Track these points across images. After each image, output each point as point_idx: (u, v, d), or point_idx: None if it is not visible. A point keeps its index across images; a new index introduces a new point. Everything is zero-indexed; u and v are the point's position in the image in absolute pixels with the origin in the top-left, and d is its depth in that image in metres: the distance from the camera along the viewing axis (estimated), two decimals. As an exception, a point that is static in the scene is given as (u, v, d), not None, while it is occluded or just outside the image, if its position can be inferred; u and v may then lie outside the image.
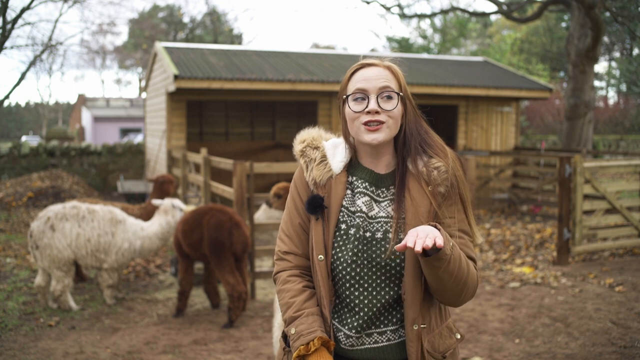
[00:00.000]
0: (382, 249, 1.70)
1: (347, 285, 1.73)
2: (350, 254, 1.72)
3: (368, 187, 1.78)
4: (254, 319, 5.36)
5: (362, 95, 1.73)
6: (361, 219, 1.74)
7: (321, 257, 1.73)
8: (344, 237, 1.74)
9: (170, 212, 5.83)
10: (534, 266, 7.12)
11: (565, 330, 4.87)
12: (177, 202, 5.95)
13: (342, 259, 1.73)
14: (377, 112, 1.71)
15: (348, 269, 1.72)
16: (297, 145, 1.86)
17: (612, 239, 7.84)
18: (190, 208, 5.96)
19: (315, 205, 1.75)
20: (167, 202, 5.90)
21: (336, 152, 1.82)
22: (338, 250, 1.74)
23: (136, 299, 5.96)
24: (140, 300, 5.95)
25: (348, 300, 1.74)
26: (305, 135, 1.87)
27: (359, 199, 1.77)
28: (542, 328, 4.93)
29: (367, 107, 1.71)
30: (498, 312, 5.36)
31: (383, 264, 1.70)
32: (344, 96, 1.77)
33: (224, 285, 5.06)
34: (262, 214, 6.43)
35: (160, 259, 7.62)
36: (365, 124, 1.71)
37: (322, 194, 1.77)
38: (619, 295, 5.77)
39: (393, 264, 1.70)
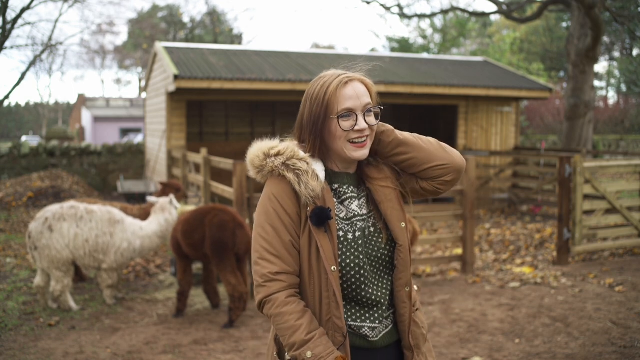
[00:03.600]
0: (377, 242, 1.82)
1: (363, 286, 1.79)
2: (361, 257, 1.78)
3: (354, 189, 1.86)
4: (254, 319, 5.36)
5: (349, 113, 1.78)
6: (362, 222, 1.82)
7: (334, 268, 1.74)
8: (345, 243, 1.78)
9: (167, 209, 5.84)
10: (534, 266, 7.12)
11: (565, 330, 4.87)
12: (173, 199, 5.97)
13: (351, 265, 1.77)
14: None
15: (361, 271, 1.78)
16: (275, 159, 1.78)
17: (612, 239, 7.83)
18: (189, 208, 5.96)
19: (326, 217, 1.73)
20: (164, 199, 5.91)
21: (314, 162, 1.82)
22: (344, 257, 1.77)
23: (136, 299, 5.96)
24: (140, 300, 5.95)
25: (364, 300, 1.81)
26: (279, 148, 1.80)
27: (352, 203, 1.84)
28: (542, 328, 4.93)
29: (356, 125, 1.78)
30: (498, 312, 5.35)
31: (379, 255, 1.82)
32: (331, 116, 1.78)
33: (226, 285, 5.06)
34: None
35: (160, 259, 7.62)
36: (351, 141, 1.79)
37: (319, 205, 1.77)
38: (619, 295, 5.77)
39: (386, 252, 1.84)
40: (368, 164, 1.88)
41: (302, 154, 1.80)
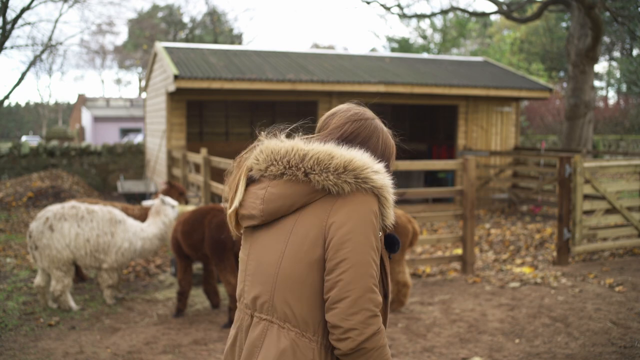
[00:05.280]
0: None
1: None
2: None
3: None
4: (254, 319, 5.36)
5: None
6: None
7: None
8: None
9: (162, 211, 5.86)
10: (534, 266, 7.12)
11: (565, 330, 4.87)
12: (168, 198, 5.98)
13: None
14: None
15: None
16: (383, 178, 1.65)
17: (612, 239, 7.83)
18: (189, 208, 5.96)
19: (398, 245, 1.75)
20: (158, 201, 5.93)
21: None
22: None
23: (136, 299, 5.96)
24: (140, 300, 5.95)
25: None
26: (378, 165, 1.67)
27: None
28: (542, 328, 4.93)
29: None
30: (498, 312, 5.36)
31: None
32: (389, 162, 1.80)
33: (225, 285, 5.06)
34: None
35: (160, 259, 7.62)
36: None
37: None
38: (619, 295, 5.77)
39: None
40: None
41: None
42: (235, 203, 1.72)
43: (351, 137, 1.74)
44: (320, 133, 1.81)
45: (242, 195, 1.72)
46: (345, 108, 1.82)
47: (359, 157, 1.63)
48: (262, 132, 1.81)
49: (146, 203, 6.09)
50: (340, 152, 1.64)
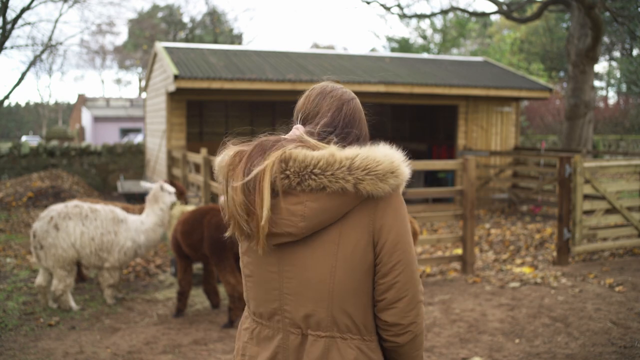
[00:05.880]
0: None
1: None
2: None
3: None
4: (254, 319, 5.35)
5: None
6: None
7: None
8: None
9: (160, 197, 5.90)
10: (534, 266, 7.12)
11: (565, 330, 4.87)
12: (167, 185, 6.00)
13: None
14: None
15: None
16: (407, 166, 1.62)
17: (612, 239, 7.83)
18: (189, 208, 5.97)
19: None
20: (156, 186, 5.97)
21: None
22: None
23: (136, 299, 5.96)
24: (140, 300, 5.95)
25: None
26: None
27: None
28: (542, 328, 4.93)
29: None
30: (498, 312, 5.36)
31: None
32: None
33: (225, 285, 5.06)
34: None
35: (160, 259, 7.62)
36: None
37: None
38: (619, 295, 5.77)
39: None
40: None
41: None
42: (264, 220, 1.54)
43: (351, 119, 1.73)
44: (315, 118, 1.73)
45: (269, 211, 1.54)
46: (331, 87, 1.80)
47: (396, 155, 1.59)
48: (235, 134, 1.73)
49: (146, 185, 6.11)
50: (382, 154, 1.57)
